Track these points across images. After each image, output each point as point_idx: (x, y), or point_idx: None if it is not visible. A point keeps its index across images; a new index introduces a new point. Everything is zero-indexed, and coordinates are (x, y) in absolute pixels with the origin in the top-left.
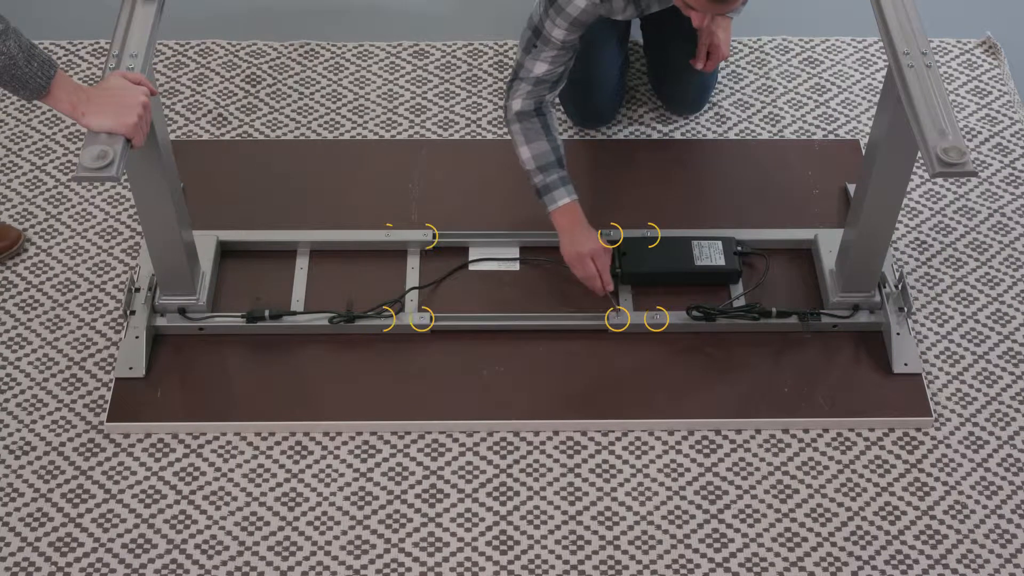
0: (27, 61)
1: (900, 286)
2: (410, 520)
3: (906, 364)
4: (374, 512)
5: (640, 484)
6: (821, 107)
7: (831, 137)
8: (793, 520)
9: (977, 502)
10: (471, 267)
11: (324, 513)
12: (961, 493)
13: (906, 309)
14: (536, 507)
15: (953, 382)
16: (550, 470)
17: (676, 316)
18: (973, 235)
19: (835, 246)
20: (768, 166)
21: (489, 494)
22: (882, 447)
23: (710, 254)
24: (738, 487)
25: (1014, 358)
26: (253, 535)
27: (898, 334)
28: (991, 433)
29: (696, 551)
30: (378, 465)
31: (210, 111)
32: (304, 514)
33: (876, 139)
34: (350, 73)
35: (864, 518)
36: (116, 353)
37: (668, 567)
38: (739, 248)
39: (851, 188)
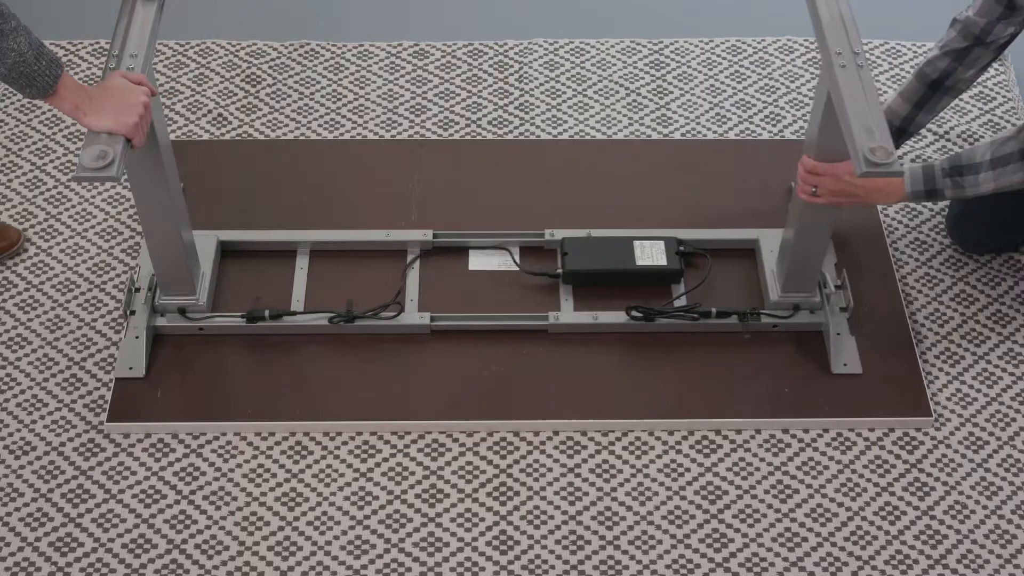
0: (36, 59)
1: (841, 286)
2: (410, 520)
3: (845, 364)
4: (374, 512)
5: (640, 484)
6: None
7: None
8: (793, 520)
9: (977, 502)
10: (471, 267)
11: (324, 513)
12: (961, 493)
13: (848, 309)
14: (536, 507)
15: (953, 382)
16: (550, 470)
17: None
18: None
19: (776, 246)
20: (768, 166)
21: (489, 494)
22: (882, 447)
23: (652, 254)
24: (738, 487)
25: (1014, 358)
26: (253, 535)
27: (838, 334)
28: (991, 433)
29: (696, 551)
30: (378, 465)
31: (210, 111)
32: (304, 514)
33: (810, 139)
34: (350, 73)
35: (864, 518)
36: (116, 353)
37: (668, 567)
38: (682, 248)
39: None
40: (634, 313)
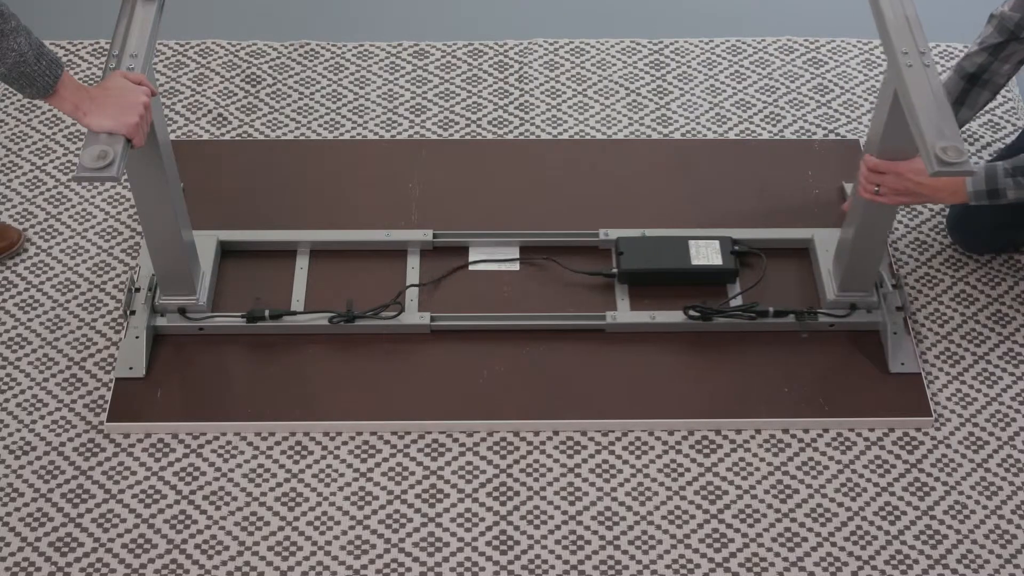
0: (36, 59)
1: (897, 285)
2: (410, 520)
3: (903, 364)
4: (374, 512)
5: (640, 484)
6: (823, 107)
7: (832, 137)
8: (793, 520)
9: (977, 502)
10: (471, 267)
11: (324, 513)
12: (961, 493)
13: (904, 308)
14: (536, 507)
15: (953, 382)
16: (550, 470)
17: (675, 316)
18: None
19: (832, 246)
20: (768, 166)
21: (489, 494)
22: (882, 447)
23: (707, 253)
24: (738, 487)
25: (1014, 359)
26: (253, 535)
27: (895, 333)
28: (991, 433)
29: (696, 551)
30: (378, 465)
31: (210, 111)
32: (304, 514)
33: (873, 138)
34: (350, 73)
35: (864, 518)
36: (116, 353)
37: (668, 567)
38: (736, 247)
39: (847, 187)
40: (692, 312)
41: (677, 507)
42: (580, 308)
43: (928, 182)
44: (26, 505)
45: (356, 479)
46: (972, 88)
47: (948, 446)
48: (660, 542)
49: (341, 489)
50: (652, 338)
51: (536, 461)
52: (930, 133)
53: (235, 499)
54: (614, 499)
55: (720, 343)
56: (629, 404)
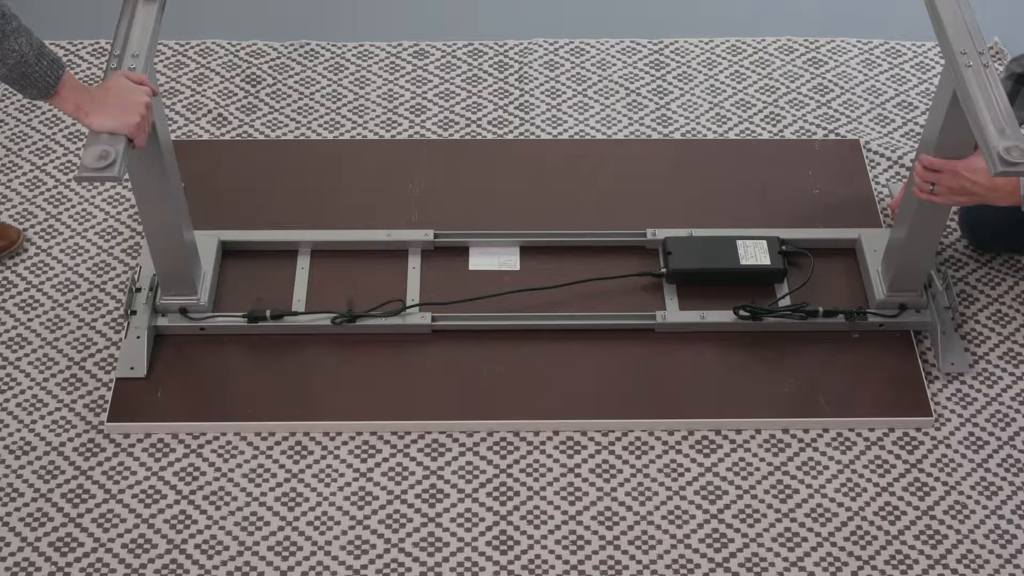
0: (37, 60)
1: (946, 285)
2: (410, 520)
3: (953, 363)
4: (374, 512)
5: (640, 484)
6: (823, 107)
7: (832, 137)
8: (793, 520)
9: (977, 502)
10: (471, 267)
11: (324, 513)
12: (961, 493)
13: (952, 308)
14: (536, 507)
15: (953, 382)
16: (550, 470)
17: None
18: None
19: (879, 246)
20: (768, 166)
21: (489, 494)
22: (882, 447)
23: (755, 253)
24: (738, 487)
25: (1014, 358)
26: (253, 535)
27: (943, 333)
28: (991, 433)
29: (696, 551)
30: (378, 465)
31: (210, 111)
32: (304, 514)
33: (929, 138)
34: (350, 73)
35: (864, 518)
36: (116, 353)
37: (668, 567)
38: (783, 247)
39: (893, 187)
40: (742, 312)
41: (677, 507)
42: (580, 308)
43: (984, 181)
44: (26, 505)
45: (356, 479)
46: (1022, 88)
47: (948, 446)
48: (660, 542)
49: (341, 489)
50: (652, 338)
51: (536, 461)
52: (992, 133)
53: (235, 499)
54: (614, 499)
55: (720, 343)
56: (629, 404)
